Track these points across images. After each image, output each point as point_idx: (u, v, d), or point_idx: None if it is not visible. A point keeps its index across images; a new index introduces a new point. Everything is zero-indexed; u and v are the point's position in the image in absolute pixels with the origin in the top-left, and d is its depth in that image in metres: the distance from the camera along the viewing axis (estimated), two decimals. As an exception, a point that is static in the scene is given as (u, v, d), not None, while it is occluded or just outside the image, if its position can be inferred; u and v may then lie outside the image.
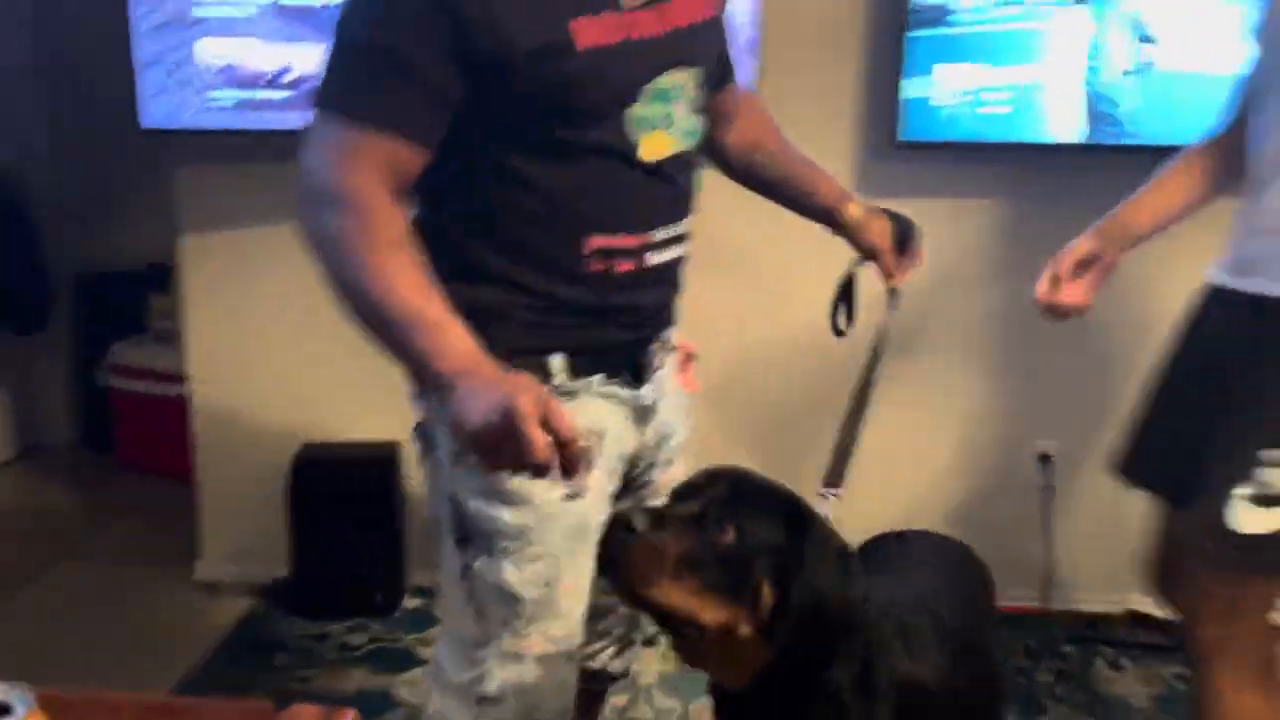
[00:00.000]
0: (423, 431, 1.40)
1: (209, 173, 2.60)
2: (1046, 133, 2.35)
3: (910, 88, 2.33)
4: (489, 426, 1.06)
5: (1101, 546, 1.98)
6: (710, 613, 1.13)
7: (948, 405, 2.62)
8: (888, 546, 1.64)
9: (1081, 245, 1.74)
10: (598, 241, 1.30)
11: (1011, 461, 2.62)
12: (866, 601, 1.20)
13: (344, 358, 2.72)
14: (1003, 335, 2.58)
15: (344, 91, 1.23)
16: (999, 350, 2.59)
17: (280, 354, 2.72)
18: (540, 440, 1.03)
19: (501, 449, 1.06)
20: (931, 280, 2.48)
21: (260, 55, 2.35)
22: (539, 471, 1.06)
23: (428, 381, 1.18)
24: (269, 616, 2.64)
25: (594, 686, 1.66)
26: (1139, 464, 1.79)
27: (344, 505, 2.62)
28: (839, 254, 1.65)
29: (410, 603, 2.67)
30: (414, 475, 2.69)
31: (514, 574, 1.33)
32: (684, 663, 1.26)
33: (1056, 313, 1.75)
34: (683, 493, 1.21)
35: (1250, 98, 1.66)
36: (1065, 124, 2.34)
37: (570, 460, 1.06)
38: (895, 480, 2.63)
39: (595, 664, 1.62)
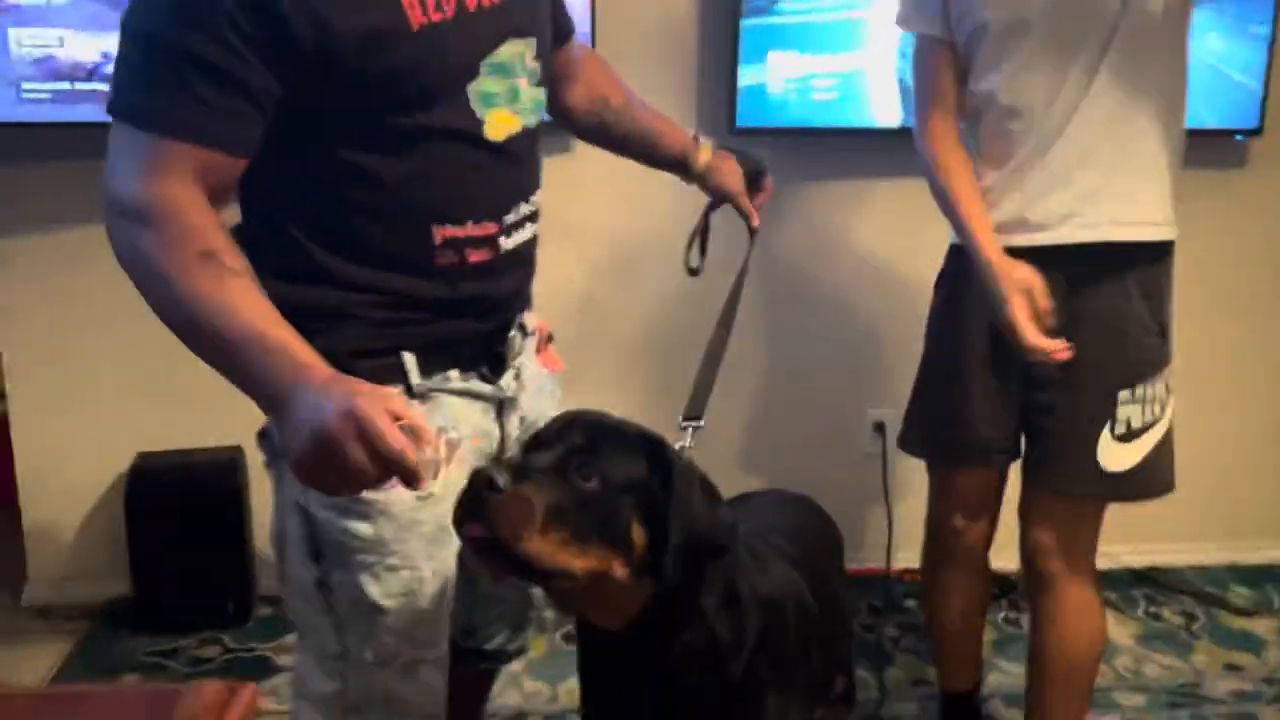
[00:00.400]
0: (268, 438, 1.32)
1: (22, 171, 2.46)
2: (870, 117, 2.49)
3: (746, 75, 2.42)
4: (308, 455, 0.99)
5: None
6: (583, 560, 1.11)
7: (786, 379, 2.74)
8: (739, 501, 1.71)
9: (1028, 270, 1.67)
10: (447, 233, 1.24)
11: (849, 432, 2.76)
12: (734, 526, 1.23)
13: (177, 363, 2.61)
14: (836, 309, 2.71)
15: (142, 98, 1.10)
16: (833, 324, 2.72)
17: (107, 362, 2.59)
18: (360, 460, 0.96)
19: (326, 475, 0.99)
20: (769, 258, 2.60)
21: (78, 45, 2.24)
22: (373, 486, 1.00)
23: (261, 407, 1.09)
24: (111, 636, 2.51)
25: (487, 665, 1.65)
26: (960, 439, 1.87)
27: (186, 516, 2.52)
28: (682, 203, 1.69)
29: (263, 610, 2.59)
30: (258, 480, 2.62)
31: (375, 586, 1.27)
32: (560, 611, 1.26)
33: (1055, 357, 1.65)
34: (535, 443, 1.19)
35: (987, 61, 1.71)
36: (885, 109, 2.48)
37: (404, 474, 0.98)
38: (734, 454, 2.73)
39: (490, 645, 1.60)
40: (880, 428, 2.71)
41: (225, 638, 2.50)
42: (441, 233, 1.24)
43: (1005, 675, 2.35)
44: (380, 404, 0.97)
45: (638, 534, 1.14)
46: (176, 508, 2.51)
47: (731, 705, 1.25)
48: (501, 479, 1.07)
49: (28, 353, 2.57)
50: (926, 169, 1.79)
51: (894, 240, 2.62)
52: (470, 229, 1.26)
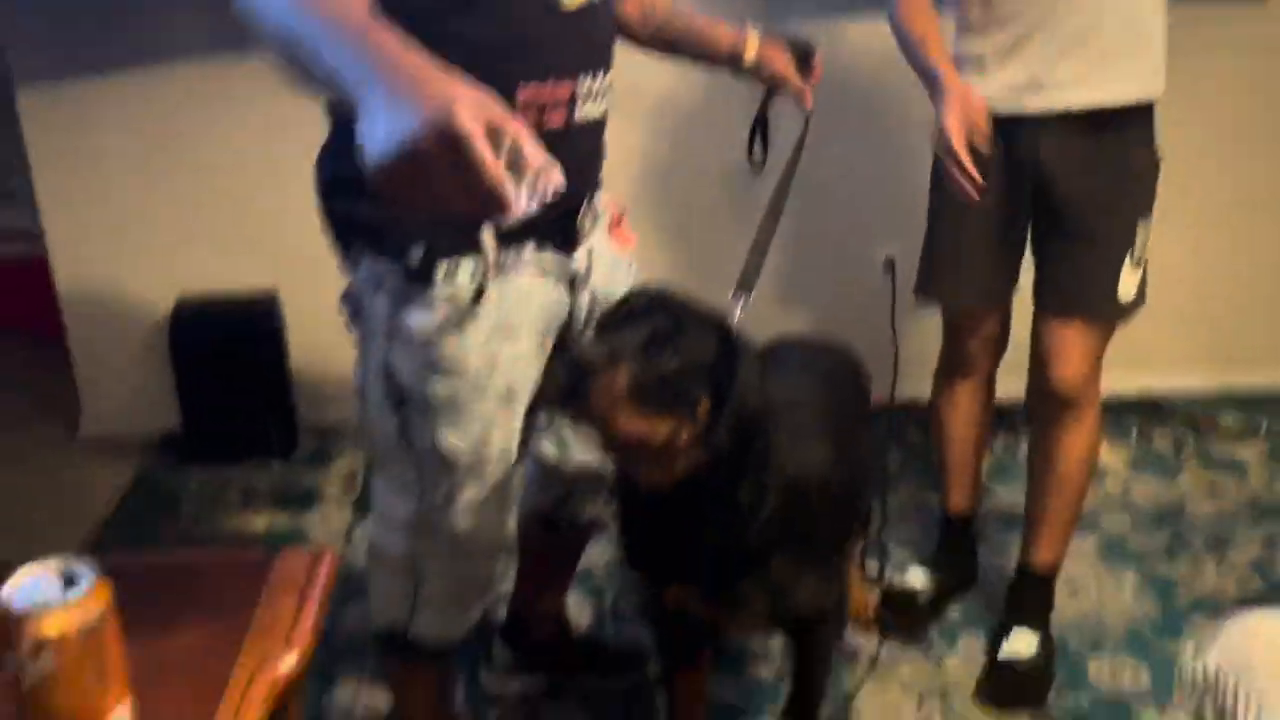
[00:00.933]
0: (351, 299, 1.44)
1: (40, 22, 2.47)
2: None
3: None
4: (390, 168, 0.82)
5: (937, 329, 2.25)
6: (660, 431, 1.25)
7: (797, 217, 2.79)
8: (783, 351, 1.81)
9: (980, 99, 1.77)
10: (528, 93, 1.32)
11: (859, 268, 2.84)
12: (773, 409, 1.36)
13: (211, 209, 2.70)
14: (846, 148, 2.74)
15: None
16: (843, 162, 2.76)
17: (140, 208, 2.68)
18: (449, 183, 0.82)
19: (406, 189, 0.83)
20: (780, 101, 2.62)
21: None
22: (456, 209, 0.84)
23: (347, 98, 0.91)
24: (165, 468, 2.69)
25: (580, 534, 1.82)
26: (969, 289, 2.02)
27: (228, 355, 2.65)
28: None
29: (306, 442, 2.75)
30: (294, 320, 2.74)
31: (448, 437, 1.42)
32: (619, 467, 1.40)
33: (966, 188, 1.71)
34: (617, 319, 1.30)
35: None
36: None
37: (496, 205, 0.83)
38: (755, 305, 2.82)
39: (581, 516, 1.76)
40: (890, 264, 2.78)
41: (273, 467, 2.68)
42: (523, 93, 1.32)
43: (1001, 499, 2.52)
44: (481, 117, 0.82)
45: (704, 407, 1.28)
46: (219, 347, 2.65)
47: (746, 562, 1.41)
48: (598, 361, 1.20)
49: (64, 200, 2.65)
50: (896, 30, 1.87)
51: (902, 79, 2.62)
52: (550, 87, 1.33)
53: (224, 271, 2.70)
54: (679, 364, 1.25)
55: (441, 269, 1.35)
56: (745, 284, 1.53)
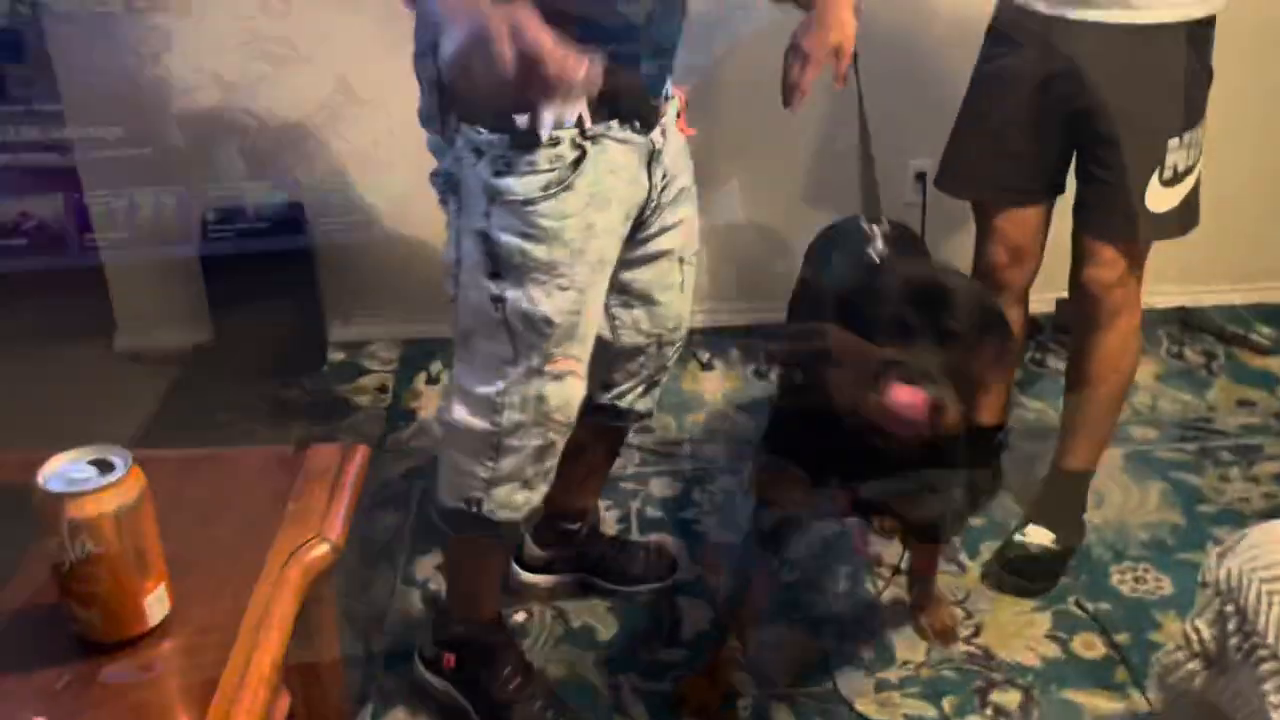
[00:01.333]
0: (444, 176, 1.50)
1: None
2: None
3: None
4: (461, 52, 1.08)
5: (968, 248, 2.23)
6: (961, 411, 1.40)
7: (829, 130, 2.77)
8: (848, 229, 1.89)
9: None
10: None
11: (891, 182, 2.78)
12: None
13: (229, 124, 2.70)
14: (878, 59, 2.68)
15: None
16: (874, 74, 2.70)
17: (165, 121, 2.68)
18: (506, 57, 1.05)
19: (476, 71, 1.08)
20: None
21: None
22: (515, 90, 1.09)
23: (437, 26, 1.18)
24: (201, 379, 2.73)
25: (619, 424, 1.85)
26: (995, 180, 1.99)
27: (258, 269, 2.65)
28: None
29: (335, 356, 2.79)
30: (322, 233, 2.75)
31: (546, 303, 1.47)
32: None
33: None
34: (921, 305, 1.41)
35: None
36: None
37: (542, 84, 1.08)
38: (779, 203, 2.81)
39: (623, 403, 1.79)
40: (921, 177, 2.75)
41: (304, 381, 2.71)
42: None
43: (1028, 411, 2.52)
44: (535, 20, 1.07)
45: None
46: (248, 261, 2.64)
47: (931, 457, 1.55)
48: (939, 399, 1.36)
49: (90, 112, 2.65)
50: None
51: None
52: None
53: (250, 185, 2.70)
54: (976, 355, 1.44)
55: (545, 135, 1.41)
56: (873, 216, 1.65)
